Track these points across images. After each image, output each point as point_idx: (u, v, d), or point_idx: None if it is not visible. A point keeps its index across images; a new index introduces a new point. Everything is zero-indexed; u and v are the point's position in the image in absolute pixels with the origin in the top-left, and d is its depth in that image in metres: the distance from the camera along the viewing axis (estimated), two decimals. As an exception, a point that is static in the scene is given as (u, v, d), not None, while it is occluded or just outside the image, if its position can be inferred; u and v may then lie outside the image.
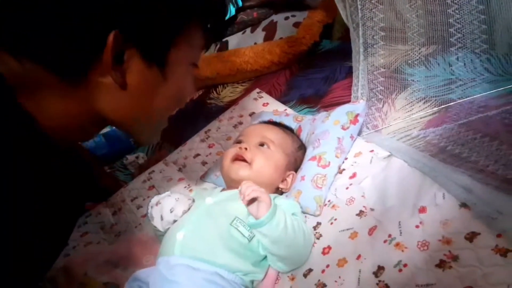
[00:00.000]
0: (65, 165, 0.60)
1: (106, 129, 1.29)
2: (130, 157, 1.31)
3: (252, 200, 0.66)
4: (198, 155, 1.13)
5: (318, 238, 0.73)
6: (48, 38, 0.44)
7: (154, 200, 0.80)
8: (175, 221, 0.76)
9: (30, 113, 0.47)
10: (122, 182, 1.22)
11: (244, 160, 0.82)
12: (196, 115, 1.41)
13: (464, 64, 0.92)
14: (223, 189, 0.87)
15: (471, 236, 0.58)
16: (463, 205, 0.62)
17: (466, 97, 0.88)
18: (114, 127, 1.26)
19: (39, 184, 0.50)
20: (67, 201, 0.61)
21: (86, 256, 0.89)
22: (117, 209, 1.04)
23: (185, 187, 1.02)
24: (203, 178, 1.03)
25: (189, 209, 0.77)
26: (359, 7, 0.92)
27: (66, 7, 0.43)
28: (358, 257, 0.65)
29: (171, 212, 0.75)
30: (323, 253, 0.70)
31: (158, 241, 0.82)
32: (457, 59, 0.92)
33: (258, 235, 0.68)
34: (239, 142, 0.89)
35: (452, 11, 0.87)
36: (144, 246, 0.88)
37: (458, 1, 0.85)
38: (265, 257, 0.72)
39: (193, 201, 0.79)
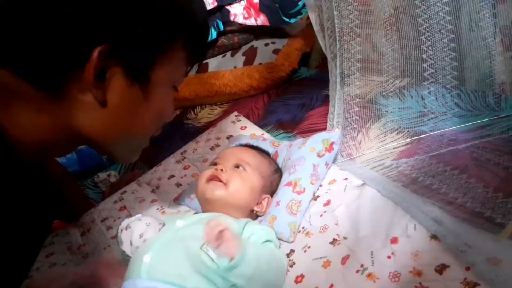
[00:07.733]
0: (33, 181, 0.57)
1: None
2: (102, 175, 1.28)
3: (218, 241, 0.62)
4: (172, 176, 1.12)
5: (291, 266, 0.72)
6: (28, 49, 0.43)
7: (124, 223, 0.77)
8: (144, 246, 0.74)
9: (1, 124, 0.45)
10: (92, 201, 1.19)
11: (220, 181, 0.81)
12: (172, 135, 1.40)
13: (436, 98, 0.95)
14: (196, 213, 0.86)
15: (441, 269, 0.59)
16: (434, 237, 0.63)
17: (437, 130, 0.91)
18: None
19: (3, 201, 0.47)
20: (33, 221, 0.58)
21: (49, 278, 0.85)
22: (86, 230, 1.01)
23: (158, 209, 1.00)
24: (177, 200, 1.01)
25: (159, 233, 0.75)
26: (338, 38, 0.95)
27: (50, 19, 0.42)
28: (331, 286, 0.65)
29: (140, 237, 0.73)
30: (296, 281, 0.69)
31: (126, 264, 0.79)
32: (429, 93, 0.96)
33: (231, 277, 0.63)
34: (214, 164, 0.88)
35: (426, 47, 0.90)
36: (112, 269, 0.85)
37: (431, 38, 0.89)
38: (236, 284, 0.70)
39: (164, 225, 0.77)
